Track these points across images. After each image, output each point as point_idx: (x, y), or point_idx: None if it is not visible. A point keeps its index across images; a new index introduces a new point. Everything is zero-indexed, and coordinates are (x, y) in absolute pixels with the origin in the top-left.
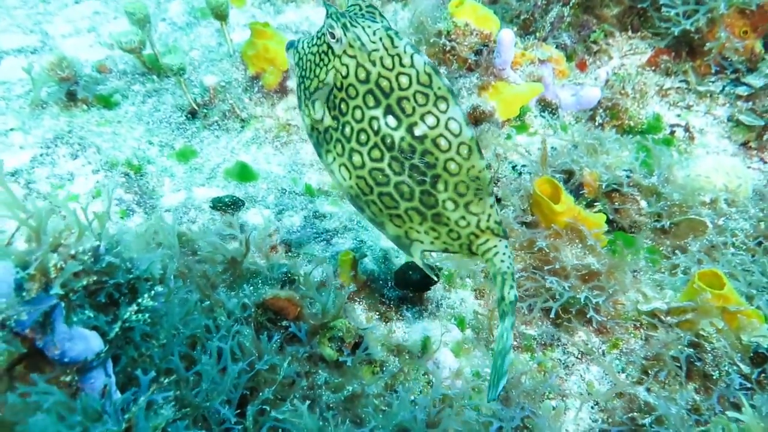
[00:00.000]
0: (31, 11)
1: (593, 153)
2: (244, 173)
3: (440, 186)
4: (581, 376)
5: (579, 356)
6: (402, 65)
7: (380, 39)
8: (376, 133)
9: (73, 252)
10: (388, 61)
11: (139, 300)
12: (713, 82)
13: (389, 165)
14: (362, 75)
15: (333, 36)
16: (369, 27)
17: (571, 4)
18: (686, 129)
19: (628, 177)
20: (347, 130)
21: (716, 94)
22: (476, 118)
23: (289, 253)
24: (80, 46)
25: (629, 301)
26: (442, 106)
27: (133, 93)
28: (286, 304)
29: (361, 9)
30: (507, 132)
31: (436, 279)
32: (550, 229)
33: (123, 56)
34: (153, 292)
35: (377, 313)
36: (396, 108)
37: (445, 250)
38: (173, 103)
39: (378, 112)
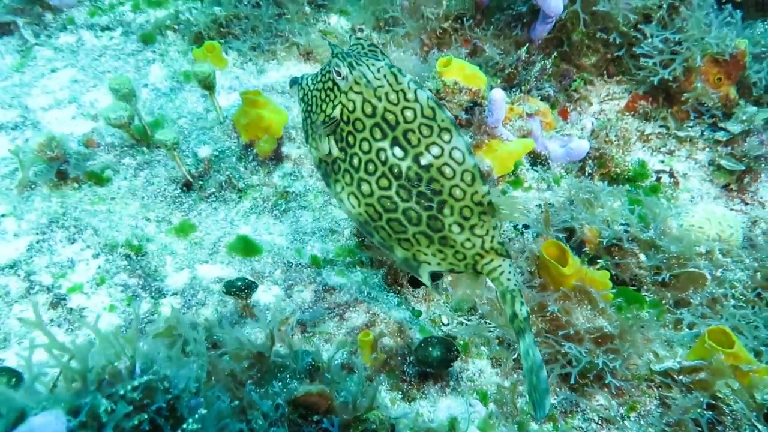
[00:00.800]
0: (7, 83)
1: (589, 207)
2: (247, 248)
3: (446, 211)
4: None
5: (600, 422)
6: (407, 100)
7: (384, 76)
8: (384, 163)
9: (122, 392)
10: (393, 96)
11: (185, 426)
12: (692, 126)
13: (397, 193)
14: (369, 110)
15: (339, 74)
16: (373, 65)
17: (552, 56)
18: (671, 175)
19: (626, 232)
20: (355, 160)
21: (696, 138)
22: None
23: (305, 334)
24: (62, 119)
25: (641, 361)
26: (446, 137)
27: (124, 167)
28: (317, 399)
29: (363, 48)
30: (502, 188)
31: (456, 354)
32: (558, 291)
33: (109, 128)
34: (197, 414)
35: (400, 392)
36: (402, 140)
37: (452, 270)
38: (167, 176)
39: (385, 144)
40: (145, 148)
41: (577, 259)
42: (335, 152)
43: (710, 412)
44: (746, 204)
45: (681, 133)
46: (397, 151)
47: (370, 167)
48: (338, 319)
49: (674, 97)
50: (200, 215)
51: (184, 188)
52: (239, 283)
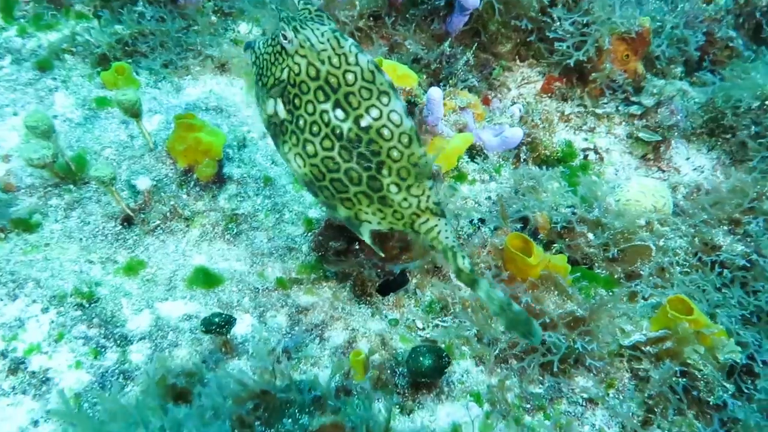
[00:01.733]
0: None
1: (535, 193)
2: (208, 279)
3: (384, 171)
4: (593, 424)
5: (584, 404)
6: (348, 63)
7: (328, 40)
8: (327, 124)
9: None
10: (335, 60)
11: None
12: (606, 103)
13: (339, 153)
14: (313, 72)
15: (285, 38)
16: (318, 29)
17: (473, 48)
18: (595, 151)
19: (573, 214)
20: (301, 122)
21: (612, 114)
22: None
23: (290, 360)
24: None
25: (610, 338)
26: (385, 99)
27: (52, 209)
28: (332, 430)
29: (310, 13)
30: (450, 184)
31: (448, 360)
32: (526, 282)
33: (24, 168)
34: None
35: (397, 406)
36: (344, 102)
37: (391, 229)
38: (102, 213)
39: (328, 106)
40: (71, 186)
41: (541, 249)
42: (282, 114)
43: (684, 379)
44: (663, 171)
45: (598, 110)
46: (339, 113)
47: (315, 128)
48: (318, 340)
49: (587, 76)
50: (148, 250)
51: (125, 224)
52: (217, 320)
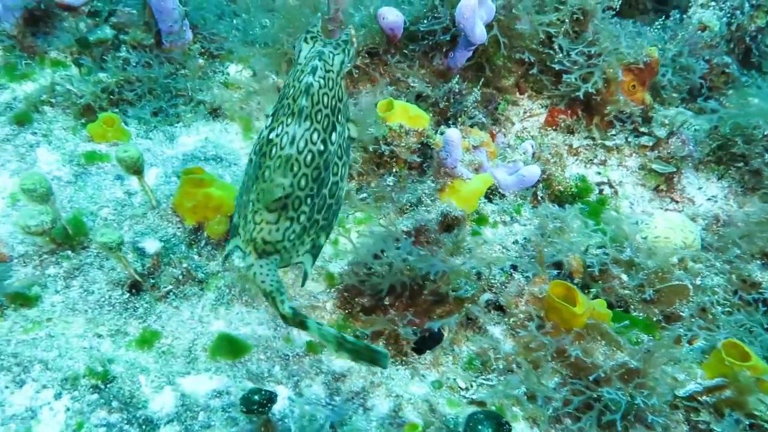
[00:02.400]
0: None
1: (562, 233)
2: (233, 347)
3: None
4: None
5: None
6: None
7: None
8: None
9: None
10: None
11: None
12: (615, 135)
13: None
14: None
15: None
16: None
17: (480, 83)
18: (610, 185)
19: (606, 255)
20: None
21: (622, 146)
22: (449, 224)
23: None
24: None
25: (665, 388)
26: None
27: (51, 279)
28: None
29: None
30: (471, 229)
31: (508, 427)
32: (571, 332)
33: (14, 234)
34: None
35: None
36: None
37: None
38: (106, 280)
39: None
40: (69, 252)
41: (585, 297)
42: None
43: None
44: (677, 202)
45: (608, 143)
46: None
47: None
48: (362, 410)
49: (593, 108)
50: (161, 318)
51: (133, 290)
52: (257, 398)
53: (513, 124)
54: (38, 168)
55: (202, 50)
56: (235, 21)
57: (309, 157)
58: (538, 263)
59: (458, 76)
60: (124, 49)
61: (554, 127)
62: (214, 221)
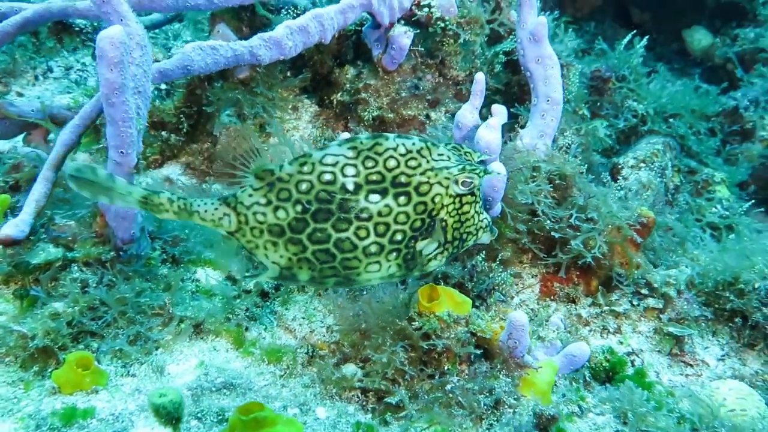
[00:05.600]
0: None
1: (645, 420)
2: None
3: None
4: None
5: None
6: None
7: None
8: None
9: None
10: None
11: None
12: (618, 300)
13: None
14: None
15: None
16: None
17: (498, 259)
18: (636, 354)
19: None
20: None
21: (629, 311)
22: (544, 427)
23: None
24: None
25: None
26: None
27: None
28: None
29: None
30: (557, 427)
31: None
32: None
33: None
34: None
35: None
36: None
37: None
38: None
39: None
40: None
41: None
42: None
43: None
44: (692, 366)
45: (617, 309)
46: None
47: None
48: None
49: (589, 271)
50: None
51: None
52: None
53: (512, 298)
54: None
55: (164, 258)
56: None
57: None
58: None
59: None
60: (75, 268)
61: (552, 297)
62: None
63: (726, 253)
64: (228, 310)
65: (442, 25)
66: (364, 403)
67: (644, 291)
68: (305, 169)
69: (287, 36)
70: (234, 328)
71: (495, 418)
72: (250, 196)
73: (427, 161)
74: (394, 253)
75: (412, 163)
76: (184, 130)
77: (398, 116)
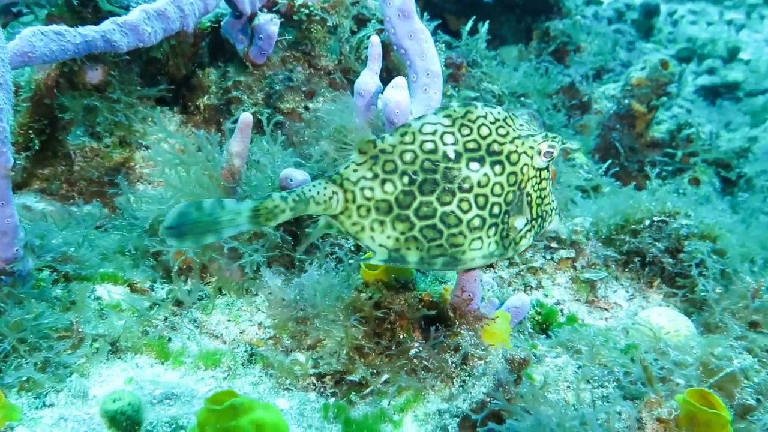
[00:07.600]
0: None
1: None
2: None
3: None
4: None
5: None
6: None
7: None
8: None
9: None
10: None
11: None
12: (531, 256)
13: None
14: None
15: None
16: None
17: None
18: (561, 304)
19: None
20: None
21: (545, 265)
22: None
23: None
24: None
25: None
26: None
27: None
28: None
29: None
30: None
31: None
32: None
33: None
34: None
35: None
36: None
37: None
38: None
39: None
40: None
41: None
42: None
43: None
44: (608, 310)
45: (534, 265)
46: None
47: None
48: None
49: None
50: None
51: None
52: None
53: None
54: None
55: (56, 276)
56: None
57: None
58: (648, 381)
59: None
60: None
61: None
62: None
63: (609, 199)
64: (144, 323)
65: (307, 11)
66: (322, 389)
67: (554, 245)
68: (407, 138)
69: (144, 20)
70: (155, 341)
71: (467, 374)
72: (355, 171)
73: (514, 129)
74: (493, 228)
75: (501, 131)
76: (36, 147)
77: (277, 111)
